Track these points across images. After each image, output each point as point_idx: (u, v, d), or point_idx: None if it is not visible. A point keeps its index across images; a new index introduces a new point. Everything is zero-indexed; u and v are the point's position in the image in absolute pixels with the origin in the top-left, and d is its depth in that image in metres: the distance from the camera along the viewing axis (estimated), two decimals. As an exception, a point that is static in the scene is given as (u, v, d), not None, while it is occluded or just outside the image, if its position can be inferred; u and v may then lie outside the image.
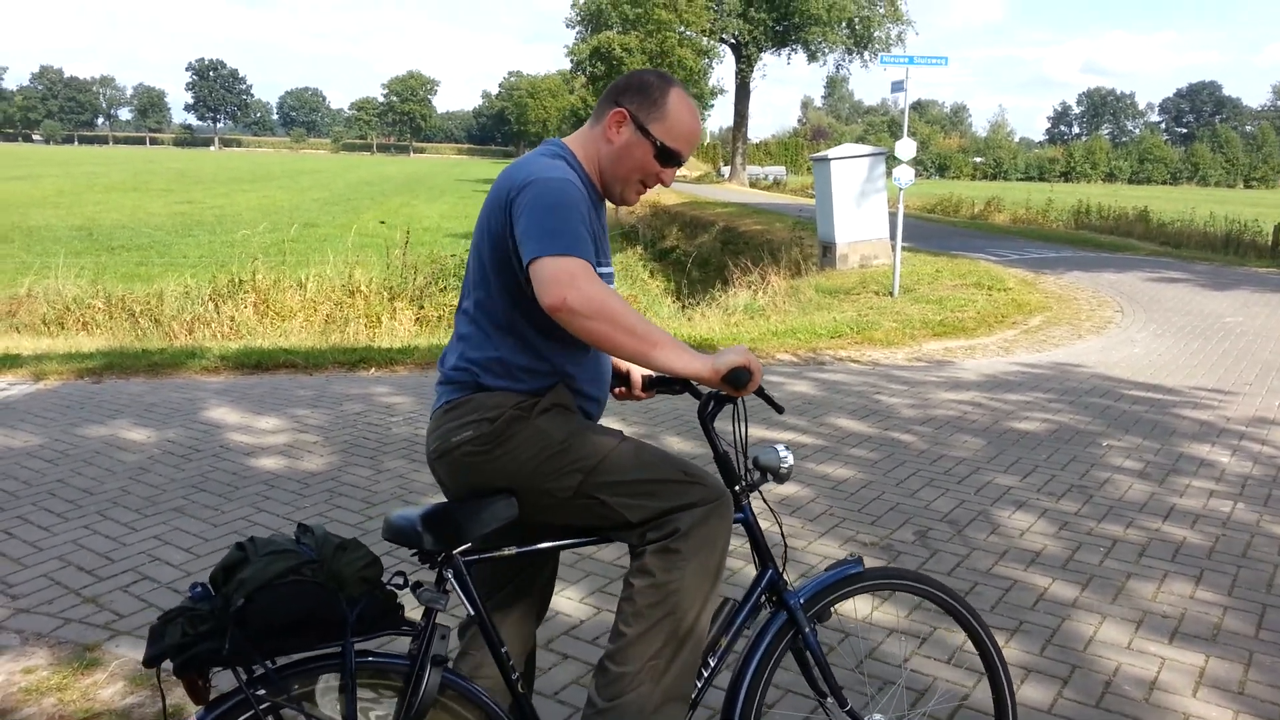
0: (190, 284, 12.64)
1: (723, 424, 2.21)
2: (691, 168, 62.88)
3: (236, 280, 11.92)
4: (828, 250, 15.37)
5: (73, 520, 4.56)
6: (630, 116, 2.12)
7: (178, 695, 3.01)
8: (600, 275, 2.13)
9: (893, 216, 13.30)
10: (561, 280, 1.84)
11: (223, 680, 1.77)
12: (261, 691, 1.76)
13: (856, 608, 3.78)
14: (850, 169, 14.81)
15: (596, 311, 1.83)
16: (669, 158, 2.14)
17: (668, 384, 2.35)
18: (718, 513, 2.04)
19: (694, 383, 2.30)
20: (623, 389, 2.44)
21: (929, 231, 22.41)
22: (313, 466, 5.39)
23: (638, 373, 2.41)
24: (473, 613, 1.98)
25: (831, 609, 2.28)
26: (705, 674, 2.14)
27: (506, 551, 2.05)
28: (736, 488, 2.20)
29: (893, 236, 13.08)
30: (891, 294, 12.41)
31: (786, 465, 2.18)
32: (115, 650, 3.41)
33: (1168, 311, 11.71)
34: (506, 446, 2.03)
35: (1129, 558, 4.35)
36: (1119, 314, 11.48)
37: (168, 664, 1.72)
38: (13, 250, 21.65)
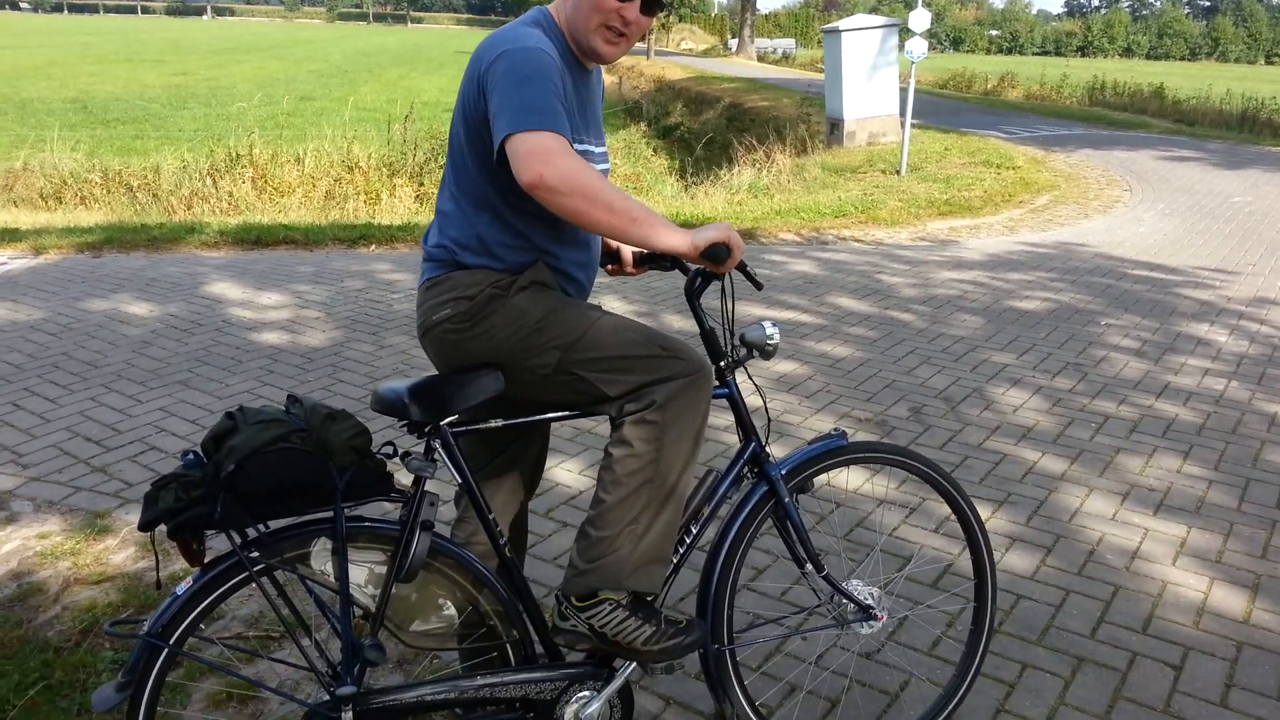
0: (187, 158, 12.49)
1: (712, 301, 2.22)
2: (698, 40, 61.19)
3: (234, 155, 11.77)
4: (835, 127, 15.09)
5: (78, 392, 4.63)
6: None
7: (181, 561, 3.11)
8: (588, 155, 2.11)
9: (903, 92, 13.00)
10: (536, 156, 1.81)
11: (221, 543, 1.82)
12: (255, 554, 1.82)
13: (848, 480, 3.86)
14: (862, 41, 14.41)
15: (574, 188, 1.81)
16: None
17: (658, 260, 2.35)
18: (695, 385, 2.05)
19: (683, 260, 2.30)
20: (614, 265, 2.43)
21: (940, 108, 21.95)
22: (315, 342, 5.43)
23: (628, 249, 2.40)
24: (460, 481, 2.03)
25: (813, 481, 2.34)
26: (688, 541, 2.20)
27: (493, 423, 2.08)
28: (722, 363, 2.22)
29: (902, 113, 12.82)
30: (898, 172, 12.25)
31: (772, 342, 2.20)
32: (125, 517, 3.51)
33: (1176, 191, 11.56)
34: (484, 325, 2.04)
35: (1120, 433, 4.42)
36: (1127, 193, 11.34)
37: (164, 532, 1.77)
38: (6, 123, 21.31)
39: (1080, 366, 5.31)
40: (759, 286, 2.22)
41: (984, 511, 3.65)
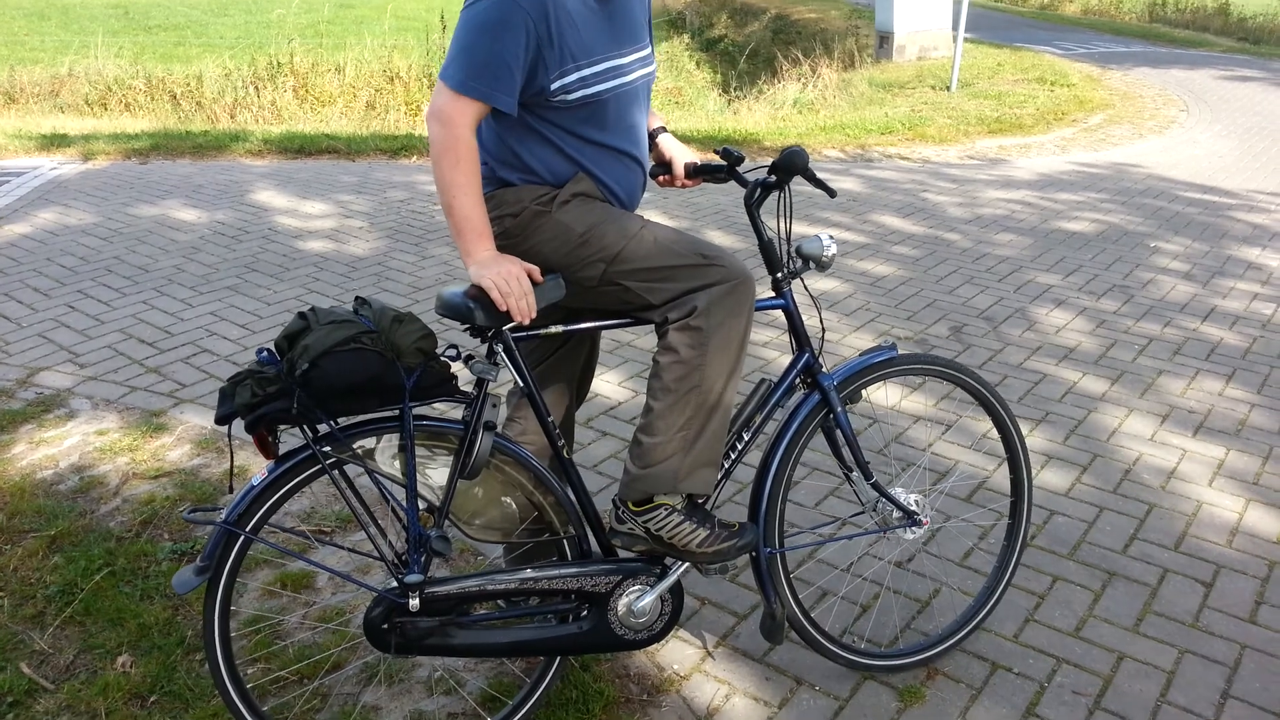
0: (230, 66, 12.46)
1: (768, 217, 2.23)
2: (744, -51, 59.42)
3: (275, 63, 11.73)
4: (884, 41, 14.71)
5: (131, 295, 4.73)
6: None
7: (242, 457, 3.23)
8: (613, 70, 2.06)
9: (956, 4, 12.62)
10: (433, 113, 1.98)
11: (291, 439, 1.89)
12: (327, 448, 1.90)
13: (887, 395, 3.88)
14: (914, -50, 13.95)
15: (434, 159, 1.99)
16: None
17: (712, 171, 2.35)
18: (736, 291, 2.08)
19: (739, 170, 2.30)
20: (665, 176, 2.44)
21: (994, 21, 21.28)
22: (359, 251, 5.49)
23: (680, 160, 2.40)
24: (521, 384, 2.08)
25: (862, 392, 2.37)
26: (740, 447, 2.25)
27: (552, 329, 2.13)
28: (779, 274, 2.24)
29: (955, 26, 12.45)
30: (949, 88, 11.95)
31: (829, 254, 2.21)
32: (180, 416, 3.62)
33: (1235, 111, 11.20)
34: (531, 241, 2.09)
35: (1163, 356, 4.39)
36: (1184, 113, 11.01)
37: (238, 427, 1.85)
38: (50, 28, 21.32)
39: (1126, 288, 5.24)
40: (832, 194, 2.23)
41: (1023, 429, 3.67)
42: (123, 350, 4.16)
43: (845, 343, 4.44)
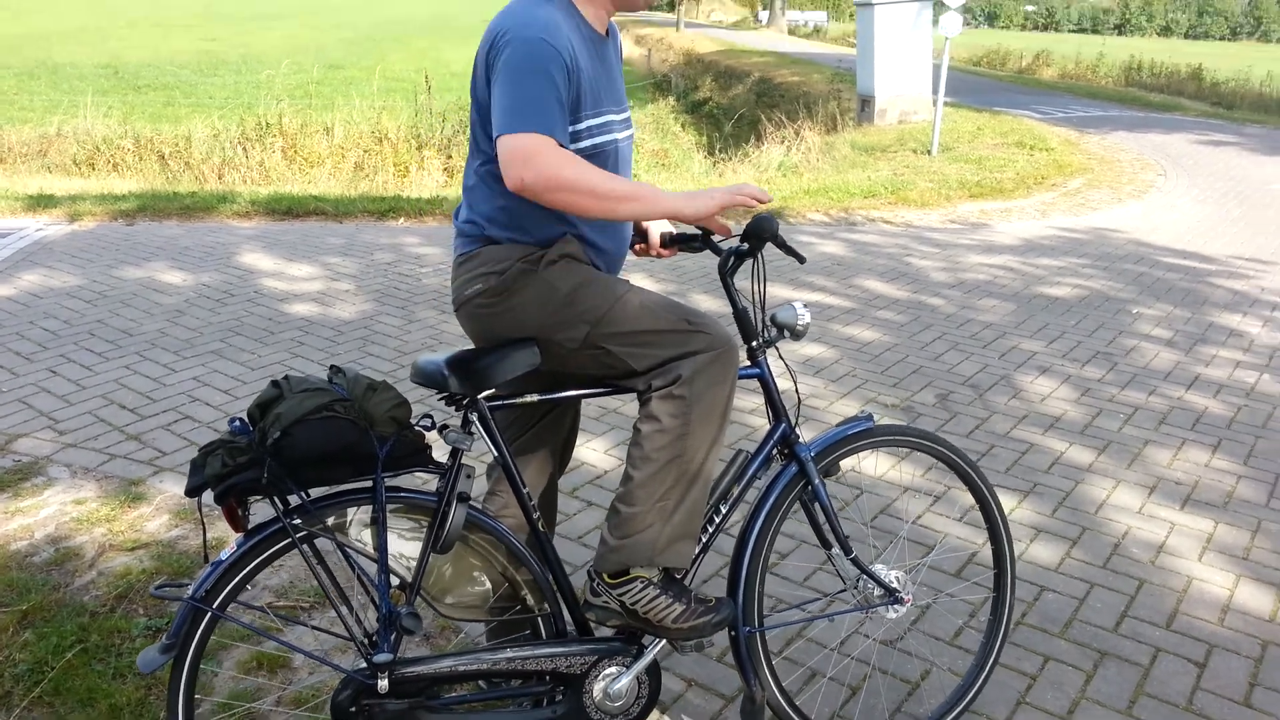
0: (218, 126, 12.54)
1: (744, 282, 2.24)
2: (728, 12, 60.64)
3: (264, 124, 11.81)
4: (866, 104, 14.95)
5: (113, 360, 4.69)
6: None
7: (220, 529, 3.18)
8: (608, 125, 2.11)
9: (936, 69, 12.85)
10: (516, 162, 1.86)
11: (262, 514, 1.86)
12: (297, 521, 1.87)
13: (877, 465, 3.86)
14: (895, 16, 14.22)
15: (554, 185, 1.86)
16: None
17: (687, 241, 2.36)
18: (721, 360, 2.07)
19: (714, 239, 2.31)
20: (641, 245, 2.44)
21: (973, 85, 21.69)
22: (345, 314, 5.48)
23: (655, 230, 2.41)
24: (496, 454, 2.06)
25: (839, 465, 2.35)
26: (717, 520, 2.22)
27: (529, 398, 2.11)
28: (754, 343, 2.24)
29: (935, 90, 12.68)
30: (930, 152, 12.13)
31: (803, 323, 2.22)
32: (159, 485, 3.57)
33: (1211, 176, 11.40)
34: (514, 299, 2.07)
35: (1148, 425, 4.40)
36: (1161, 177, 11.20)
37: (209, 497, 1.82)
38: (39, 87, 21.47)
39: (1110, 355, 5.27)
40: (801, 260, 2.23)
41: (1010, 501, 3.66)
42: (103, 416, 4.11)
43: (832, 409, 4.43)
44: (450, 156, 11.70)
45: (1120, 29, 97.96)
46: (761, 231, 2.14)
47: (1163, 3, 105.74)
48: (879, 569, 2.35)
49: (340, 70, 27.05)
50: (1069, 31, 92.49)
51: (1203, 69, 26.84)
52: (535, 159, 1.85)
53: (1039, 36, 64.76)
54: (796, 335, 2.24)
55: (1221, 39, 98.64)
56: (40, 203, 7.73)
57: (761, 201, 2.03)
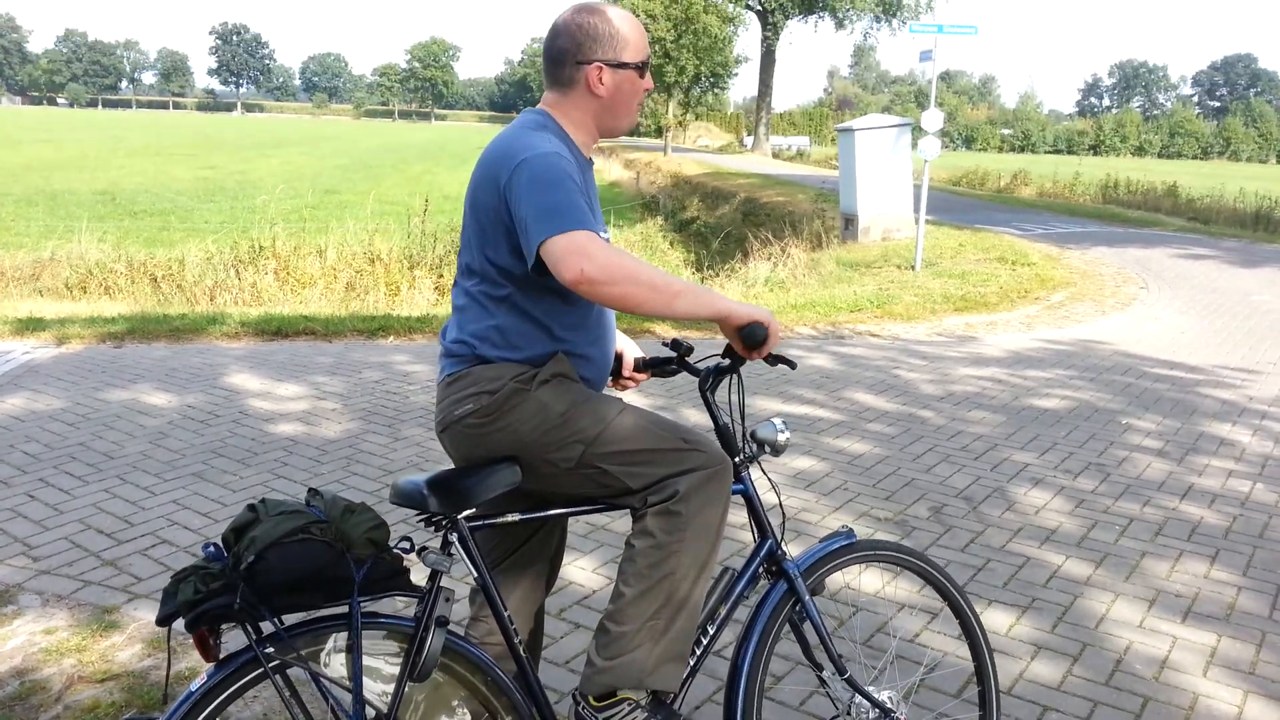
0: (212, 250, 12.71)
1: (725, 396, 2.23)
2: (714, 137, 62.47)
3: (257, 246, 11.97)
4: (850, 223, 15.26)
5: (93, 484, 4.62)
6: (605, 65, 2.12)
7: (193, 659, 3.06)
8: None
9: (917, 189, 13.17)
10: (574, 254, 1.85)
11: (234, 641, 1.79)
12: (270, 650, 1.80)
13: (862, 582, 3.78)
14: (875, 140, 14.66)
15: (615, 276, 1.86)
16: (646, 67, 2.18)
17: (661, 365, 2.37)
18: (717, 478, 2.06)
19: (689, 360, 2.31)
20: (614, 379, 2.43)
21: (953, 204, 22.22)
22: (331, 433, 5.43)
23: (629, 355, 2.42)
24: (476, 577, 2.01)
25: (825, 582, 2.32)
26: (705, 641, 2.16)
27: (510, 518, 2.07)
28: (736, 460, 2.22)
29: (916, 209, 12.96)
30: (914, 268, 12.32)
31: (783, 438, 2.23)
32: (133, 613, 3.46)
33: (1193, 288, 11.58)
34: (507, 419, 2.04)
35: (1145, 536, 4.33)
36: (1143, 290, 11.36)
37: (180, 626, 1.75)
38: (37, 214, 21.82)
39: (1102, 466, 5.24)
40: (792, 365, 2.24)
41: (1009, 618, 3.57)
42: (79, 542, 4.02)
43: (824, 523, 4.36)
44: (442, 275, 11.85)
45: (1095, 149, 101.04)
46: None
47: (1135, 125, 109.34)
48: (872, 690, 2.28)
49: (336, 195, 27.66)
50: (1045, 153, 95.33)
51: (1178, 186, 27.61)
52: (594, 252, 1.86)
53: (1016, 158, 66.76)
54: (777, 451, 2.25)
55: (1194, 158, 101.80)
56: (29, 326, 7.74)
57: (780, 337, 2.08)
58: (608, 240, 2.23)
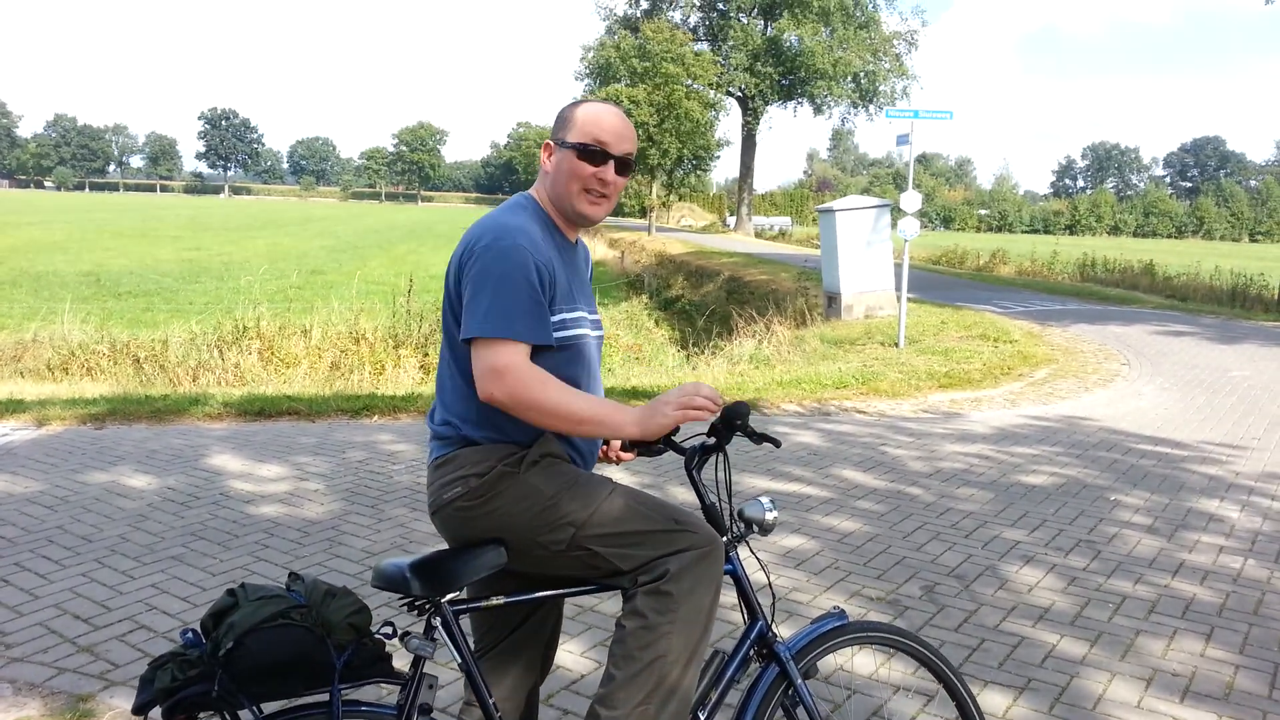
0: (196, 330, 12.68)
1: (711, 475, 2.22)
2: (697, 217, 63.31)
3: (241, 327, 11.95)
4: (833, 301, 15.41)
5: (70, 567, 4.52)
6: (553, 142, 2.20)
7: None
8: (580, 320, 2.14)
9: (898, 268, 13.34)
10: (487, 377, 1.95)
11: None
12: None
13: (860, 664, 3.71)
14: (855, 220, 14.89)
15: (523, 404, 1.95)
16: (591, 155, 2.15)
17: (647, 446, 2.35)
18: (708, 557, 2.04)
19: (674, 439, 2.30)
20: (604, 448, 2.42)
21: (934, 282, 22.48)
22: (313, 514, 5.35)
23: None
24: (460, 663, 1.96)
25: (817, 666, 2.28)
26: (696, 727, 2.11)
27: (494, 601, 2.04)
28: (724, 539, 2.20)
29: (898, 288, 13.10)
30: (897, 345, 12.41)
31: (771, 517, 2.22)
32: (109, 700, 3.36)
33: (1174, 365, 11.68)
34: (496, 503, 2.03)
35: (1138, 614, 4.29)
36: (1125, 366, 11.45)
37: (157, 715, 1.70)
38: (20, 295, 21.79)
39: (1093, 543, 5.21)
40: (776, 444, 2.24)
41: (1005, 699, 3.50)
42: (55, 627, 3.92)
43: (815, 603, 4.30)
44: (427, 354, 11.83)
45: (1071, 229, 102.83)
46: (732, 420, 2.14)
47: (1110, 204, 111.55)
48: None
49: (321, 275, 27.77)
50: (1021, 232, 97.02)
51: (1154, 264, 28.07)
52: (506, 376, 1.93)
53: (994, 237, 67.92)
54: (765, 530, 2.23)
55: (1168, 237, 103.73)
56: (8, 407, 7.66)
57: (715, 406, 2.04)
58: (595, 319, 2.24)
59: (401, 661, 1.90)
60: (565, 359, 2.09)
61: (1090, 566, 4.86)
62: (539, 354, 2.04)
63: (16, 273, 26.78)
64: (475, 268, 2.01)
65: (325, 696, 1.79)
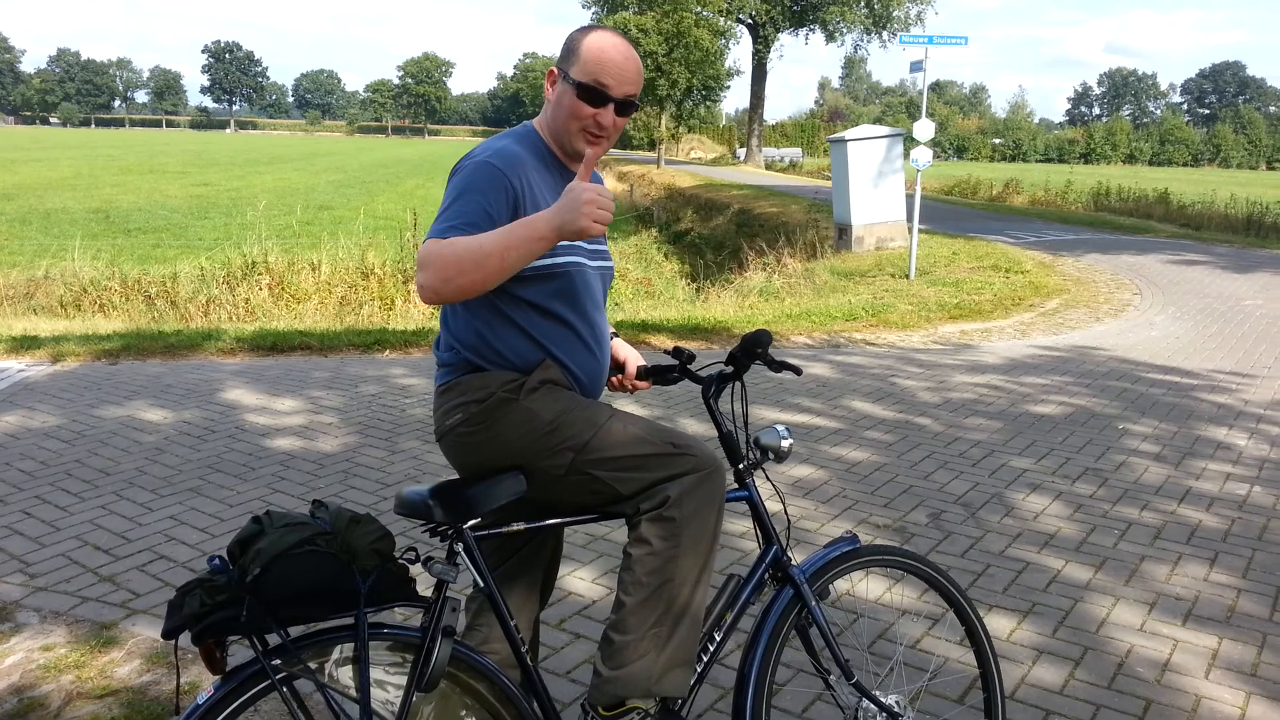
0: (205, 266, 12.70)
1: (727, 404, 2.24)
2: (706, 150, 62.62)
3: (250, 262, 11.97)
4: (843, 233, 15.30)
5: (90, 500, 4.60)
6: (558, 71, 2.13)
7: (194, 673, 3.05)
8: (572, 248, 2.09)
9: (909, 198, 13.22)
10: (418, 274, 1.88)
11: (241, 654, 1.79)
12: (277, 662, 1.79)
13: (869, 589, 3.77)
14: (867, 150, 14.72)
15: (441, 275, 1.84)
16: (591, 95, 2.07)
17: (663, 373, 2.36)
18: (709, 480, 2.05)
19: (690, 368, 2.31)
20: (618, 377, 2.43)
21: (946, 213, 22.28)
22: (328, 447, 5.42)
23: (631, 363, 2.41)
24: (482, 585, 2.00)
25: (829, 588, 2.32)
26: (711, 648, 2.16)
27: (515, 527, 2.07)
28: (740, 466, 2.22)
29: (909, 219, 13.01)
30: (907, 276, 12.35)
31: (786, 445, 2.24)
32: (132, 628, 3.44)
33: (1186, 294, 11.61)
34: (496, 429, 2.05)
35: (1144, 540, 4.33)
36: (1137, 296, 11.40)
37: (185, 640, 1.74)
38: (31, 232, 21.79)
39: (1100, 471, 5.24)
40: (798, 372, 2.25)
41: (1009, 622, 3.56)
42: (77, 558, 4.00)
43: (824, 531, 4.36)
44: (436, 290, 11.83)
45: (1086, 158, 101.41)
46: (751, 349, 2.15)
47: (1126, 133, 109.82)
48: (879, 695, 2.27)
49: (329, 210, 27.65)
50: (1036, 161, 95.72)
51: (1169, 193, 27.71)
52: (425, 263, 1.87)
53: (1008, 167, 66.96)
54: (780, 457, 2.25)
55: (1184, 165, 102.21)
56: (23, 344, 7.72)
57: (609, 204, 1.89)
58: (596, 250, 2.20)
59: (424, 586, 1.94)
60: (557, 287, 2.08)
61: (1097, 494, 4.90)
62: (528, 283, 2.03)
63: (26, 210, 26.74)
64: (449, 184, 2.03)
65: (350, 620, 1.84)
